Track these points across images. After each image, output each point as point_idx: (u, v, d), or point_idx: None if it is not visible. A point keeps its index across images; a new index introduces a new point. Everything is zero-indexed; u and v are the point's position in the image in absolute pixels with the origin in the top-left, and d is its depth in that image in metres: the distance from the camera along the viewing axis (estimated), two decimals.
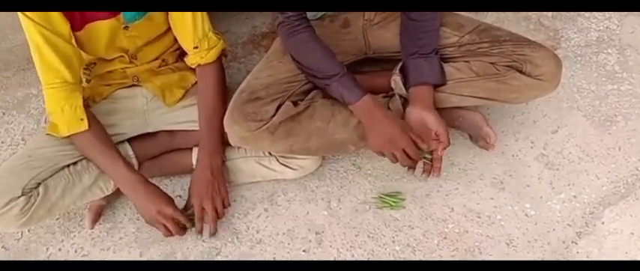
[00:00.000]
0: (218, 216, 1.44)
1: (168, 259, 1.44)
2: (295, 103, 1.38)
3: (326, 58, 1.38)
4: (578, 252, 1.39)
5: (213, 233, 1.44)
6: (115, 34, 1.41)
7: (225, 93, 1.48)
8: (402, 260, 1.40)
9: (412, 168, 1.41)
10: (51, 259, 1.46)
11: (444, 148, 1.39)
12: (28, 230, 1.51)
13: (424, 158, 1.41)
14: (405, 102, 1.44)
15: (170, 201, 1.42)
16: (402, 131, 1.34)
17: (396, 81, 1.45)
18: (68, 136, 1.38)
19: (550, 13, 1.92)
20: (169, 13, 1.42)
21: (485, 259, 1.39)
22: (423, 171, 1.45)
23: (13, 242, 1.50)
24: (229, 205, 1.46)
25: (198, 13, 1.41)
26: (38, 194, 1.32)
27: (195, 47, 1.44)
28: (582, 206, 1.47)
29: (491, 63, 1.40)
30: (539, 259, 1.38)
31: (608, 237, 1.41)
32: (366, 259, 1.41)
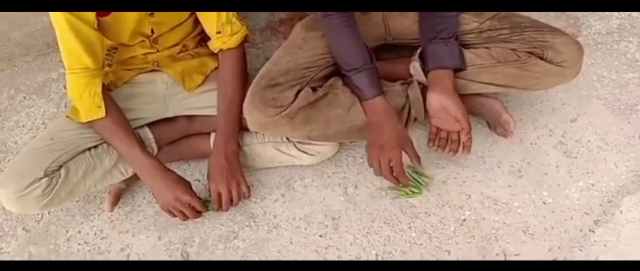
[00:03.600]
0: (233, 200, 1.45)
1: (186, 242, 1.46)
2: (314, 89, 1.38)
3: (350, 49, 1.39)
4: (595, 241, 1.39)
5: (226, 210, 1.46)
6: (141, 21, 1.41)
7: (245, 79, 1.48)
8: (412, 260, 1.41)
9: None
10: (70, 241, 1.49)
11: (467, 134, 1.39)
12: (48, 213, 1.54)
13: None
14: (424, 89, 1.43)
15: (187, 187, 1.43)
16: (397, 144, 1.36)
17: (415, 67, 1.44)
18: (87, 122, 1.40)
19: None
20: None
21: (502, 246, 1.39)
22: (450, 150, 1.45)
23: (33, 224, 1.53)
24: (249, 188, 1.46)
25: None
26: (60, 176, 1.34)
27: (218, 32, 1.45)
28: (600, 194, 1.46)
29: (512, 49, 1.38)
30: (556, 246, 1.38)
31: (626, 226, 1.40)
32: (382, 245, 1.42)
